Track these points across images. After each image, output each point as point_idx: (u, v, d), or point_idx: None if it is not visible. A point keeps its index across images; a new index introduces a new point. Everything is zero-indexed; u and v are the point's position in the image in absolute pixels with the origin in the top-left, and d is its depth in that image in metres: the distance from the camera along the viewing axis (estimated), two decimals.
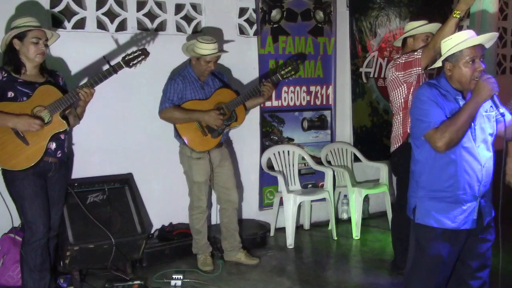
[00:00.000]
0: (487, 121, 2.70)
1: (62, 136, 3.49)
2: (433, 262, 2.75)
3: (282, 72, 4.24)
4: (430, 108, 2.63)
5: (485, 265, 2.80)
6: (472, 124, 2.62)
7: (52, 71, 3.59)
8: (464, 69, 2.60)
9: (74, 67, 4.24)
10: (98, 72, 3.52)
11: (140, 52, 3.58)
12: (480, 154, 2.65)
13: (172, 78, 4.20)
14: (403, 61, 3.84)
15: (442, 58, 2.67)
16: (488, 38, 2.67)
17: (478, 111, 2.60)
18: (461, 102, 2.65)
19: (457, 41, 2.61)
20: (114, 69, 3.49)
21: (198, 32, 4.76)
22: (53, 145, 3.42)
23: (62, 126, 3.41)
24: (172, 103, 4.11)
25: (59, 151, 3.46)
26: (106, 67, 3.53)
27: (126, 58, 3.54)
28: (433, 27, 3.94)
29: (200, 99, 4.17)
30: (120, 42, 4.34)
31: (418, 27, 3.97)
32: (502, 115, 2.61)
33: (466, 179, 2.64)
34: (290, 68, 4.24)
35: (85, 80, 4.17)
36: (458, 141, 2.58)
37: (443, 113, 2.61)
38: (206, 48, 4.01)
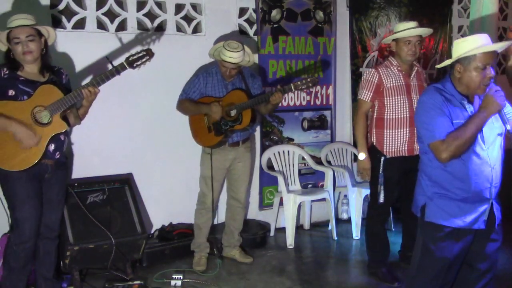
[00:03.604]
0: (495, 121, 2.67)
1: (62, 137, 3.44)
2: (439, 263, 2.74)
3: (298, 83, 4.11)
4: (434, 117, 2.61)
5: (492, 267, 2.79)
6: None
7: (56, 68, 3.51)
8: (474, 74, 2.58)
9: (74, 67, 4.24)
10: (100, 72, 3.41)
11: (144, 53, 3.44)
12: (489, 156, 2.65)
13: (196, 74, 4.31)
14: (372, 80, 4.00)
15: (454, 59, 2.63)
16: (503, 47, 2.68)
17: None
18: (468, 106, 2.63)
19: (473, 46, 2.57)
20: (117, 70, 3.38)
21: (198, 32, 4.77)
22: (51, 147, 3.36)
23: (61, 128, 3.35)
24: (186, 96, 4.23)
25: (57, 152, 3.41)
26: (107, 66, 3.48)
27: (130, 59, 3.42)
28: (413, 32, 3.90)
29: (216, 97, 4.20)
30: (121, 42, 4.34)
31: (402, 31, 3.93)
32: (505, 128, 2.62)
33: (477, 181, 2.63)
34: (308, 80, 4.10)
35: (85, 80, 4.20)
36: (463, 153, 2.58)
37: (448, 121, 2.59)
38: (226, 55, 4.02)
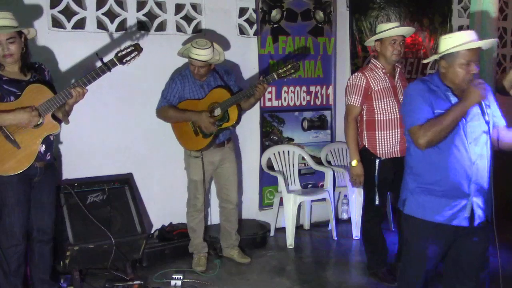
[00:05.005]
0: (482, 118, 2.66)
1: (51, 137, 3.37)
2: (418, 255, 2.80)
3: (280, 71, 4.09)
4: (416, 104, 2.65)
5: (479, 269, 2.78)
6: (464, 119, 2.62)
7: (37, 65, 3.42)
8: (459, 70, 2.61)
9: (74, 67, 4.24)
10: (91, 70, 3.33)
11: (133, 48, 3.36)
12: (470, 151, 2.64)
13: (172, 78, 4.24)
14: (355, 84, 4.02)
15: (439, 55, 2.67)
16: (488, 44, 2.72)
17: (471, 110, 2.61)
18: (452, 98, 2.65)
19: (457, 42, 2.60)
20: (108, 67, 3.29)
21: (198, 33, 4.77)
22: (43, 148, 3.30)
23: (54, 128, 3.29)
24: (167, 102, 4.16)
25: (48, 153, 3.37)
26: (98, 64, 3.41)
27: (119, 55, 3.33)
28: (399, 31, 3.91)
29: (197, 98, 4.17)
30: (120, 42, 4.34)
31: (385, 30, 3.93)
32: (487, 123, 2.62)
33: (455, 175, 2.64)
34: (290, 66, 4.10)
35: None
36: (440, 141, 2.60)
37: (429, 110, 2.62)
38: (193, 53, 3.99)
